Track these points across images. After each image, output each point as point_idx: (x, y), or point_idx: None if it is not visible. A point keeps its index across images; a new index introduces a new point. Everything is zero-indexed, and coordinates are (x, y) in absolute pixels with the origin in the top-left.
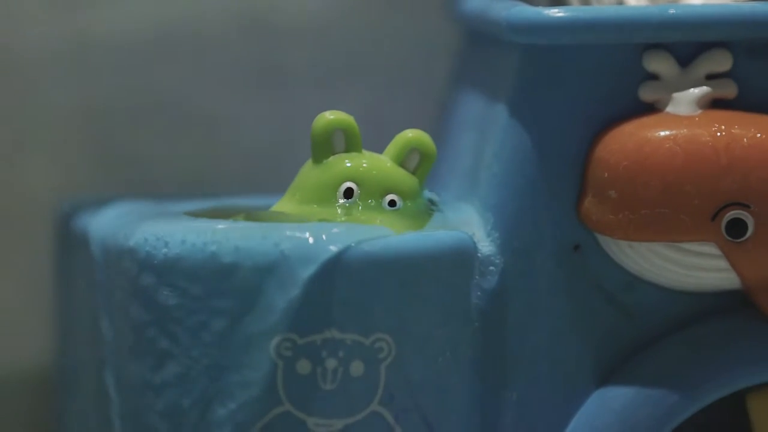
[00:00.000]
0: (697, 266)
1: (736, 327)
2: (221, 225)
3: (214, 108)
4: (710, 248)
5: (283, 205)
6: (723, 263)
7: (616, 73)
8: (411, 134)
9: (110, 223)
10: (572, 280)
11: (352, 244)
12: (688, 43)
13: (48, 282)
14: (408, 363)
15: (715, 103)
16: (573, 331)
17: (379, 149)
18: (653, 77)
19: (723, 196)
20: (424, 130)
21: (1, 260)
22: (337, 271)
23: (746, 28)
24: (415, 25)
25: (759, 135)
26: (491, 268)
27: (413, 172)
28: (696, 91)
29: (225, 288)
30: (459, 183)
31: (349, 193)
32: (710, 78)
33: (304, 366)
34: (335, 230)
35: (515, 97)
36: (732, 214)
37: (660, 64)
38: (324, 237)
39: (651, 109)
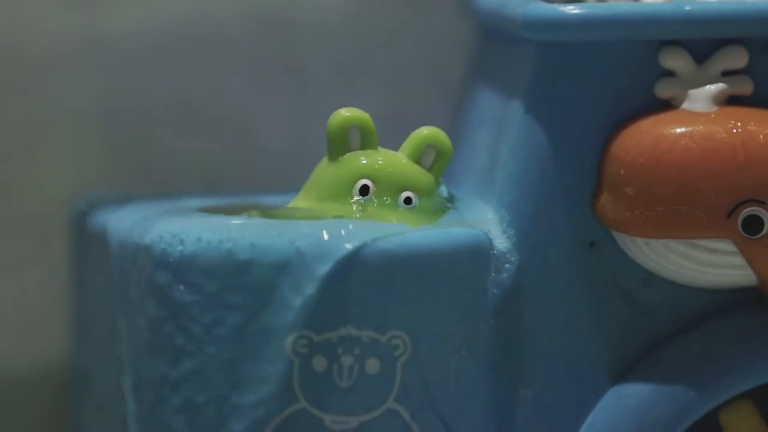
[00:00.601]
0: (713, 263)
1: (753, 323)
2: (237, 222)
3: (230, 105)
4: (726, 245)
5: (299, 201)
6: (739, 260)
7: (632, 70)
8: (427, 131)
9: (126, 221)
10: (588, 277)
11: (368, 242)
12: (703, 40)
13: (65, 280)
14: (424, 360)
15: (731, 100)
16: (589, 328)
17: (395, 146)
18: (669, 74)
19: (739, 192)
20: (440, 127)
21: (19, 259)
22: (353, 268)
23: (762, 25)
24: (431, 23)
25: None
26: (507, 265)
27: (429, 170)
28: (712, 88)
29: (241, 285)
30: (475, 180)
31: (364, 191)
32: (726, 75)
33: (320, 363)
34: (351, 227)
35: (531, 94)
36: (748, 210)
37: (676, 61)
38: (340, 234)
39: (667, 106)
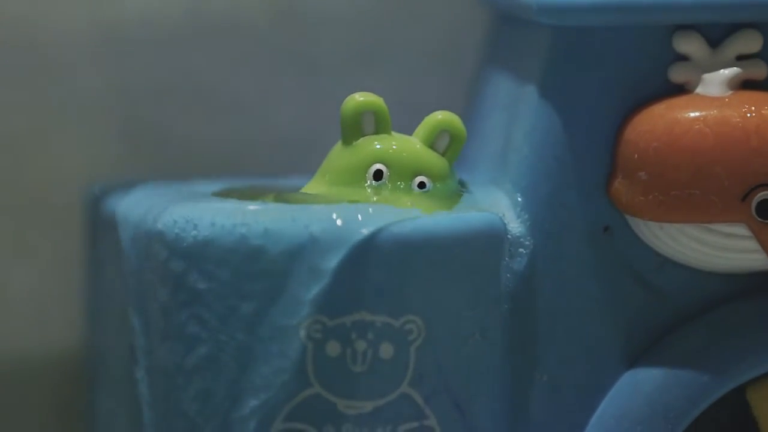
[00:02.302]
0: (727, 247)
1: (766, 308)
2: (251, 207)
3: (245, 90)
4: (740, 229)
5: (313, 186)
6: (753, 244)
7: (646, 55)
8: (441, 116)
9: (139, 206)
10: (602, 262)
11: (383, 226)
12: (718, 24)
13: (78, 266)
14: (438, 345)
15: (745, 84)
16: (603, 312)
17: (409, 131)
18: (683, 58)
19: (753, 177)
20: (454, 111)
21: (31, 244)
22: (368, 253)
23: None
24: (445, 7)
25: None
26: (521, 249)
27: (443, 154)
28: (726, 72)
29: (254, 270)
30: (489, 165)
31: (378, 175)
32: (740, 59)
33: (333, 348)
34: (365, 212)
35: (545, 78)
36: (762, 195)
37: (690, 45)
38: (354, 219)
39: (681, 90)
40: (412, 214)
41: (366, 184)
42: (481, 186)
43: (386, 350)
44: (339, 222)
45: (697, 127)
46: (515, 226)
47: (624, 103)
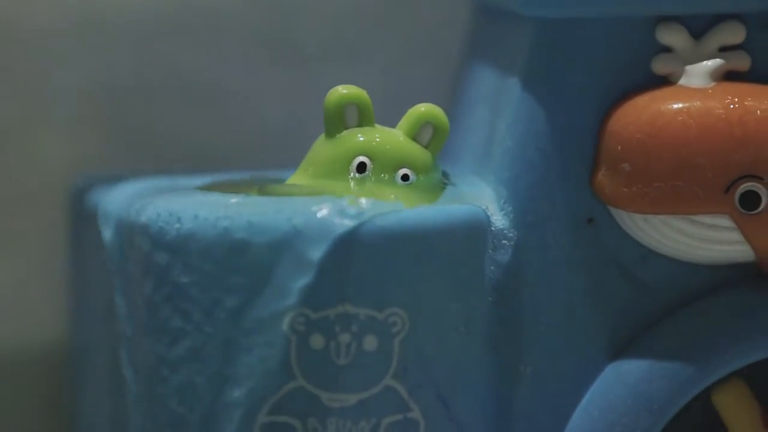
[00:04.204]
0: (711, 239)
1: (750, 299)
2: (234, 200)
3: (228, 82)
4: (724, 221)
5: (296, 179)
6: (737, 236)
7: (629, 46)
8: (424, 108)
9: (123, 199)
10: (586, 254)
11: (366, 219)
12: (701, 15)
13: (62, 259)
14: (422, 337)
15: (728, 76)
16: (587, 304)
17: (392, 124)
18: (666, 50)
19: (736, 168)
20: (437, 104)
21: (16, 237)
22: (351, 245)
23: (759, 0)
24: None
25: None
26: (505, 242)
27: (426, 147)
28: (709, 64)
29: (238, 263)
30: (472, 157)
31: (362, 168)
32: (723, 50)
33: (317, 341)
34: (348, 205)
35: (528, 70)
36: (745, 186)
37: (673, 37)
38: (337, 211)
39: (664, 82)
40: (395, 207)
41: (349, 177)
42: (465, 178)
43: (370, 343)
44: (321, 214)
45: (680, 118)
46: (499, 218)
47: (607, 94)
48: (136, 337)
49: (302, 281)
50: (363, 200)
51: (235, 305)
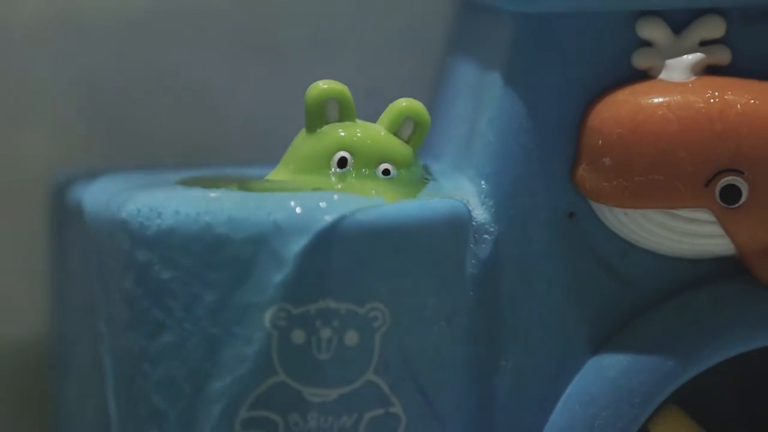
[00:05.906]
0: (691, 233)
1: (731, 293)
2: (215, 195)
3: (209, 79)
4: (705, 214)
5: (277, 174)
6: (717, 229)
7: (610, 41)
8: (405, 103)
9: (103, 195)
10: (567, 248)
11: (347, 214)
12: (681, 10)
13: (43, 254)
14: (403, 332)
15: (708, 70)
16: (568, 298)
17: (373, 119)
18: (647, 44)
19: (717, 162)
20: (419, 99)
21: None
22: (332, 240)
23: None
24: None
25: (753, 101)
26: (486, 236)
27: (407, 141)
28: (689, 58)
29: (219, 258)
30: (453, 151)
31: (342, 163)
32: (704, 44)
33: (298, 336)
34: (329, 199)
35: (509, 65)
36: (726, 180)
37: (653, 31)
38: (318, 206)
39: (644, 76)
40: (376, 202)
41: (330, 172)
42: (446, 173)
43: (351, 338)
44: (301, 209)
45: (660, 112)
46: (480, 212)
47: (588, 89)
48: (117, 331)
49: (283, 276)
50: (344, 195)
51: (216, 300)
